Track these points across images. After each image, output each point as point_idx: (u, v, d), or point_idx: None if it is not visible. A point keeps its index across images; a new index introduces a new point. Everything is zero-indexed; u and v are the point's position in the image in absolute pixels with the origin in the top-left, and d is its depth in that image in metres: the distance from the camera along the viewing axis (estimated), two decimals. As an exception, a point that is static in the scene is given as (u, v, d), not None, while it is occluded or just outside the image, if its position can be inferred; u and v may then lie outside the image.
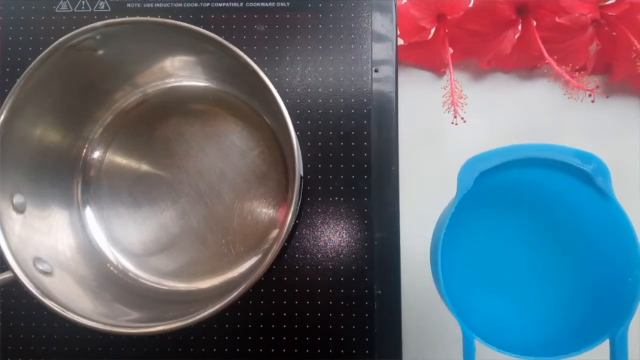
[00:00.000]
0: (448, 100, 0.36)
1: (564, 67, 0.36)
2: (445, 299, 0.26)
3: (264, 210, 0.35)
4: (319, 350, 0.33)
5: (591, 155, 0.27)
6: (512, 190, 0.30)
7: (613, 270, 0.27)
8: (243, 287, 0.27)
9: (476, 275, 0.31)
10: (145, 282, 0.35)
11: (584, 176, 0.27)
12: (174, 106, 0.36)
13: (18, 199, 0.31)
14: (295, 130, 0.30)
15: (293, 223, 0.30)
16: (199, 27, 0.30)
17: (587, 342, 0.25)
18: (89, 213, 0.36)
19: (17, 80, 0.30)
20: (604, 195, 0.27)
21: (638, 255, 0.25)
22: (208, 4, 0.36)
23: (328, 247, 0.34)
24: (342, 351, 0.33)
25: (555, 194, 0.29)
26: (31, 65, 0.30)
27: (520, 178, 0.29)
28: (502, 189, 0.29)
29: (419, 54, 0.41)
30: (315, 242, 0.34)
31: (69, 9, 0.36)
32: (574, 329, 0.27)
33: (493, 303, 0.30)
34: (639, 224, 0.30)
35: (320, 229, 0.34)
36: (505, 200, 0.30)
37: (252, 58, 0.30)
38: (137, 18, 0.31)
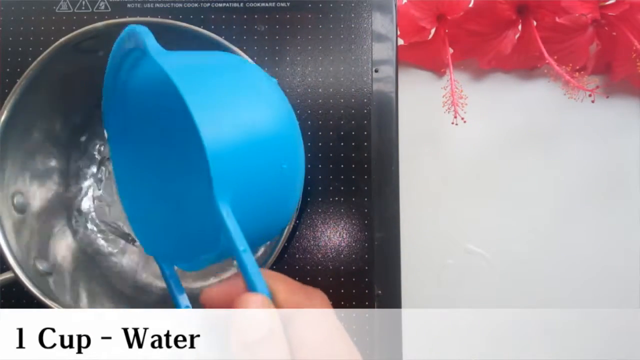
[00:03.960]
0: (448, 100, 0.36)
1: (564, 67, 0.36)
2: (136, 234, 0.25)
3: (264, 210, 0.35)
4: (319, 350, 0.33)
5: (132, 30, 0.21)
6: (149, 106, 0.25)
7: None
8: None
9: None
10: (145, 282, 0.35)
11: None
12: (174, 106, 0.36)
13: (18, 199, 0.31)
14: (295, 130, 0.30)
15: (293, 223, 0.30)
16: (199, 27, 0.30)
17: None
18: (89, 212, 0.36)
19: (17, 80, 0.30)
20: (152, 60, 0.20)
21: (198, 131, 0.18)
22: (208, 4, 0.36)
23: (328, 247, 0.34)
24: (342, 351, 0.33)
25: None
26: (31, 66, 0.30)
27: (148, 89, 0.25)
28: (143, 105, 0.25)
29: (419, 54, 0.41)
30: (315, 242, 0.34)
31: (69, 9, 0.36)
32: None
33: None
34: (639, 223, 0.30)
35: (320, 229, 0.34)
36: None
37: (252, 58, 0.30)
38: (137, 18, 0.31)
